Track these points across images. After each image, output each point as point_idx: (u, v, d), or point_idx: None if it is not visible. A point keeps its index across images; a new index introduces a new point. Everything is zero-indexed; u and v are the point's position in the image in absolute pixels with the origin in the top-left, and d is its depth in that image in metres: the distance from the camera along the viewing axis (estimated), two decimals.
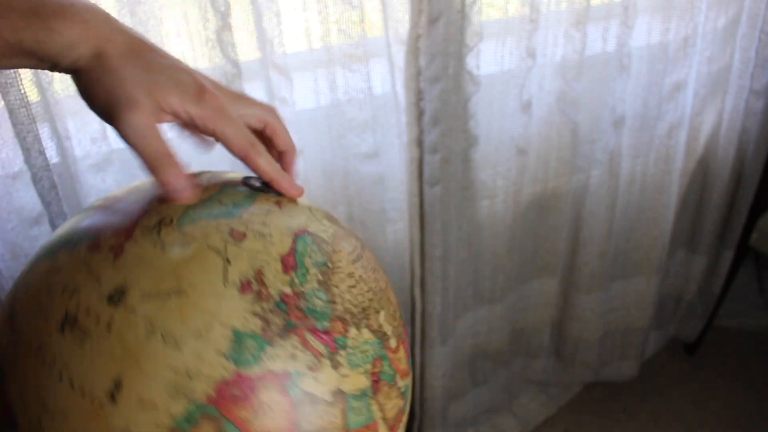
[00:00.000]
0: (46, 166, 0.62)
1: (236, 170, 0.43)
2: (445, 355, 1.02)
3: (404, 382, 0.39)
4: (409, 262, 0.93)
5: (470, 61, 0.81)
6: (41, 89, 0.60)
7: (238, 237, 0.33)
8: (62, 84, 0.61)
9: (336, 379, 0.33)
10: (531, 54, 0.86)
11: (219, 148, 0.39)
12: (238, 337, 0.30)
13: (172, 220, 0.34)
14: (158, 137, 0.34)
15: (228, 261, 0.32)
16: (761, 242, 1.21)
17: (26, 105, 0.58)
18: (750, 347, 1.39)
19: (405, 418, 0.40)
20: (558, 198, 1.02)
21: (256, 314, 0.31)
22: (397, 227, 0.89)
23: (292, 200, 0.39)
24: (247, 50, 0.69)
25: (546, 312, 1.16)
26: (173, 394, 0.29)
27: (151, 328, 0.30)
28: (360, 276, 0.37)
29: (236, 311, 0.31)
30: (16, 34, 0.32)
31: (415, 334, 1.00)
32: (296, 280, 0.33)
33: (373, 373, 0.35)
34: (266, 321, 0.31)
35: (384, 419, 0.36)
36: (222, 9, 0.64)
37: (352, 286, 0.36)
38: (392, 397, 0.37)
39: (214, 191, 0.37)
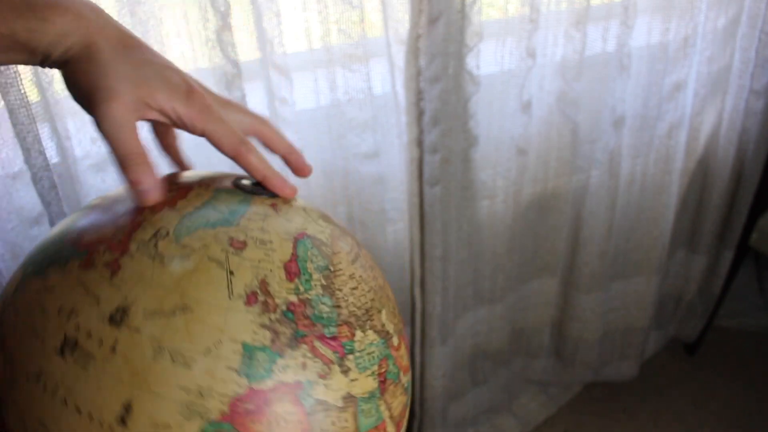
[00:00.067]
0: (46, 166, 0.62)
1: (236, 171, 0.43)
2: (445, 355, 1.02)
3: (407, 378, 0.39)
4: (409, 262, 0.93)
5: (470, 61, 0.81)
6: (41, 89, 0.60)
7: (239, 246, 0.32)
8: (62, 84, 0.61)
9: (346, 384, 0.33)
10: (531, 54, 0.86)
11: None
12: (248, 351, 0.30)
13: (168, 232, 0.32)
14: (133, 133, 0.34)
15: (231, 272, 0.31)
16: (761, 242, 1.21)
17: (26, 105, 0.58)
18: (750, 347, 1.39)
19: (407, 414, 0.40)
20: (558, 198, 1.02)
21: (264, 326, 0.31)
22: (397, 227, 0.89)
23: (286, 201, 0.38)
24: (247, 50, 0.69)
25: (546, 312, 1.16)
26: (187, 414, 0.29)
27: (158, 347, 0.29)
28: (360, 276, 0.37)
29: (244, 324, 0.30)
30: (8, 24, 0.31)
31: (415, 334, 1.00)
32: (301, 287, 0.33)
33: (379, 374, 0.35)
34: (275, 332, 0.31)
35: (391, 417, 0.36)
36: (222, 9, 0.64)
37: (354, 288, 0.36)
38: (397, 394, 0.37)
39: (207, 197, 0.35)
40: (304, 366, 0.31)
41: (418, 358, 1.02)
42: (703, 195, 1.21)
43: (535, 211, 1.03)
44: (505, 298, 1.07)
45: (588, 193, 1.03)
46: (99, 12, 0.35)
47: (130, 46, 0.35)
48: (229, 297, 0.31)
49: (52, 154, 0.63)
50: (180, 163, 0.43)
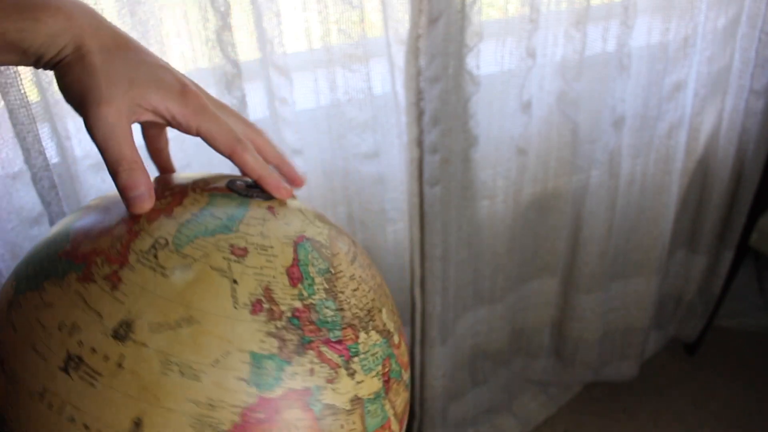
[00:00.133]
0: (46, 166, 0.62)
1: (235, 172, 0.42)
2: (445, 355, 1.02)
3: (407, 375, 0.40)
4: (409, 262, 0.93)
5: (470, 61, 0.81)
6: (41, 89, 0.60)
7: (240, 253, 0.32)
8: None
9: (353, 387, 0.33)
10: (531, 54, 0.86)
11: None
12: (256, 361, 0.30)
13: (167, 242, 0.32)
14: (125, 138, 0.33)
15: (235, 281, 0.31)
16: (761, 242, 1.21)
17: (26, 105, 0.58)
18: (750, 347, 1.39)
19: (408, 408, 0.40)
20: (558, 198, 1.02)
21: (270, 334, 0.31)
22: (397, 227, 0.89)
23: (282, 202, 0.38)
24: (247, 50, 0.69)
25: (546, 312, 1.16)
26: (198, 427, 0.29)
27: (165, 361, 0.29)
28: (360, 276, 0.37)
29: (251, 334, 0.30)
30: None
31: (415, 334, 1.00)
32: (304, 293, 0.33)
33: (383, 374, 0.35)
34: (282, 339, 0.31)
35: (395, 415, 0.37)
36: (222, 9, 0.64)
37: (356, 290, 0.36)
38: (400, 392, 0.38)
39: (204, 203, 0.35)
40: (312, 372, 0.31)
41: (418, 358, 1.02)
42: (703, 195, 1.21)
43: (535, 211, 1.03)
44: (505, 298, 1.07)
45: (588, 193, 1.03)
46: (91, 12, 0.35)
47: (123, 47, 0.35)
48: (235, 306, 0.30)
49: (52, 154, 0.63)
50: (168, 169, 0.43)
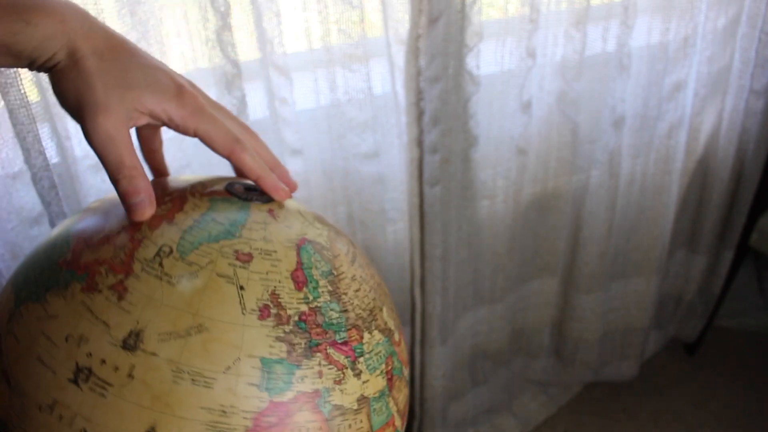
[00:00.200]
0: (46, 166, 0.62)
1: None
2: (445, 355, 1.02)
3: (407, 371, 0.40)
4: (409, 262, 0.93)
5: (470, 61, 0.81)
6: (41, 89, 0.60)
7: (245, 259, 0.32)
8: None
9: (359, 387, 0.34)
10: (531, 54, 0.86)
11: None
12: (266, 366, 0.30)
13: (171, 249, 0.32)
14: (124, 146, 0.33)
15: (242, 287, 0.31)
16: (761, 242, 1.21)
17: (26, 105, 0.58)
18: (750, 347, 1.39)
19: (408, 404, 0.41)
20: (558, 198, 1.02)
21: (279, 339, 0.31)
22: (397, 227, 0.89)
23: (281, 204, 0.38)
24: (247, 50, 0.69)
25: (546, 312, 1.16)
26: None
27: (176, 369, 0.29)
28: (361, 277, 0.37)
29: (260, 339, 0.30)
30: None
31: (415, 334, 1.00)
32: (310, 296, 0.33)
33: (387, 372, 0.36)
34: (290, 344, 0.31)
35: (398, 411, 0.38)
36: (222, 9, 0.64)
37: (357, 290, 0.36)
38: (402, 388, 0.38)
39: (205, 208, 0.35)
40: (320, 374, 0.32)
41: (418, 358, 1.02)
42: (703, 195, 1.21)
43: (535, 211, 1.03)
44: (505, 298, 1.07)
45: (588, 193, 1.03)
46: (83, 14, 0.34)
47: (117, 49, 0.35)
48: (243, 312, 0.31)
49: (52, 154, 0.63)
50: (161, 171, 0.42)
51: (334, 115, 0.77)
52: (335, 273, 0.35)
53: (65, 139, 0.63)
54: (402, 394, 0.38)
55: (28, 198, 0.64)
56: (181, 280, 0.31)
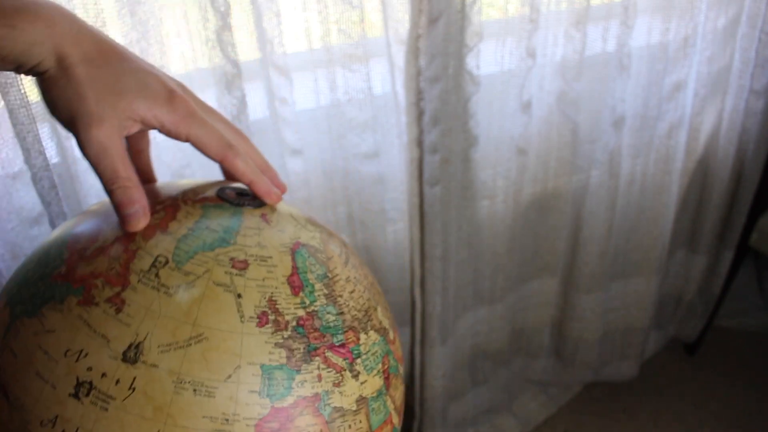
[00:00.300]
0: (46, 166, 0.62)
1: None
2: (445, 355, 1.02)
3: (402, 367, 0.41)
4: (409, 262, 0.93)
5: (470, 61, 0.81)
6: None
7: (241, 266, 0.32)
8: None
9: (357, 388, 0.34)
10: (531, 54, 0.86)
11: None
12: (266, 372, 0.30)
13: (167, 260, 0.32)
14: (118, 156, 0.33)
15: (239, 295, 0.31)
16: (761, 242, 1.21)
17: (26, 105, 0.58)
18: (750, 347, 1.39)
19: (404, 399, 0.42)
20: (558, 198, 1.02)
21: (278, 345, 0.31)
22: (397, 227, 0.89)
23: (273, 208, 0.38)
24: (247, 50, 0.69)
25: (546, 312, 1.16)
26: None
27: (178, 380, 0.29)
28: (355, 278, 0.38)
29: (259, 346, 0.31)
30: None
31: (415, 334, 1.00)
32: (306, 300, 0.33)
33: (383, 371, 0.36)
34: (289, 349, 0.31)
35: (395, 409, 0.38)
36: (222, 9, 0.64)
37: (352, 291, 0.36)
38: (398, 386, 0.39)
39: (198, 216, 0.35)
40: (319, 378, 0.32)
41: (418, 358, 1.02)
42: (703, 195, 1.21)
43: (535, 211, 1.03)
44: (505, 298, 1.07)
45: (588, 193, 1.03)
46: (72, 18, 0.34)
47: (106, 53, 0.34)
48: (241, 320, 0.31)
49: (52, 154, 0.63)
50: (147, 171, 0.42)
51: (334, 115, 0.77)
52: (330, 276, 0.36)
53: (65, 139, 0.63)
54: (398, 392, 0.39)
55: (28, 198, 0.64)
56: (179, 290, 0.31)
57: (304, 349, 0.32)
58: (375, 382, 0.35)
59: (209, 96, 0.69)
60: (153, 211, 0.35)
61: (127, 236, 0.33)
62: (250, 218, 0.36)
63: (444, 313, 0.98)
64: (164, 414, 0.29)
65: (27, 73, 0.33)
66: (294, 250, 0.35)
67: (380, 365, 0.36)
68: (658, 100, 1.00)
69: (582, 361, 1.21)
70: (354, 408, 0.34)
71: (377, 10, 0.74)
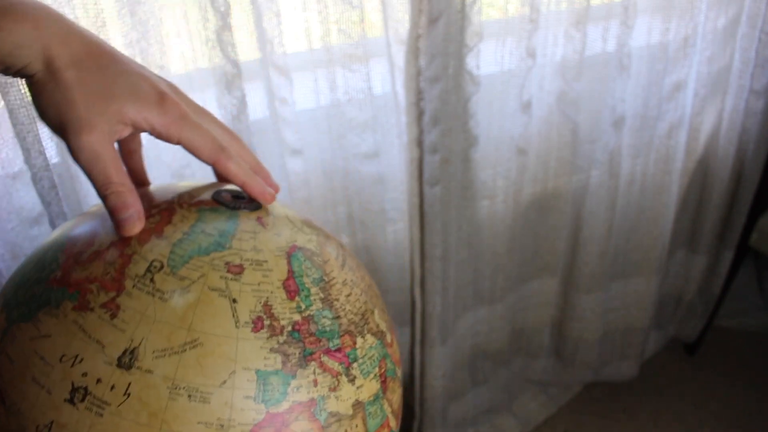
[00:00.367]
0: (46, 166, 0.62)
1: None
2: (445, 355, 1.02)
3: (400, 370, 0.40)
4: (409, 262, 0.93)
5: (470, 61, 0.81)
6: None
7: (236, 271, 0.32)
8: None
9: (354, 392, 0.34)
10: (531, 54, 0.86)
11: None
12: (262, 378, 0.30)
13: (162, 264, 0.32)
14: (111, 161, 0.33)
15: (234, 300, 0.31)
16: (761, 242, 1.21)
17: (26, 105, 0.58)
18: (750, 347, 1.39)
19: (402, 402, 0.41)
20: (558, 198, 1.02)
21: (273, 350, 0.31)
22: (397, 227, 0.89)
23: (269, 210, 0.38)
24: (247, 50, 0.69)
25: (546, 312, 1.16)
26: None
27: (173, 386, 0.29)
28: (351, 281, 0.37)
29: (254, 352, 0.30)
30: None
31: (415, 334, 1.00)
32: (302, 305, 0.33)
33: (380, 375, 0.36)
34: (285, 354, 0.31)
35: (392, 412, 0.38)
36: (222, 9, 0.64)
37: (349, 295, 0.36)
38: (396, 389, 0.38)
39: (193, 220, 0.34)
40: (315, 383, 0.32)
41: (418, 358, 1.02)
42: (703, 195, 1.21)
43: (535, 211, 1.03)
44: (505, 298, 1.07)
45: (588, 193, 1.03)
46: (60, 19, 0.33)
47: (95, 55, 0.34)
48: (236, 325, 0.31)
49: (52, 154, 0.63)
50: (139, 173, 0.41)
51: (334, 115, 0.77)
52: (326, 279, 0.35)
53: None
54: (396, 395, 0.38)
55: (28, 198, 0.64)
56: (174, 295, 0.31)
57: (299, 354, 0.32)
58: (372, 386, 0.35)
59: (209, 96, 0.69)
60: (148, 215, 0.34)
61: (122, 241, 0.33)
62: (246, 222, 0.36)
63: (444, 313, 0.98)
64: (159, 420, 0.29)
65: (15, 75, 0.33)
66: (290, 254, 0.35)
67: (377, 369, 0.36)
68: (658, 100, 1.00)
69: (582, 361, 1.21)
70: (350, 413, 0.33)
71: (377, 10, 0.74)
